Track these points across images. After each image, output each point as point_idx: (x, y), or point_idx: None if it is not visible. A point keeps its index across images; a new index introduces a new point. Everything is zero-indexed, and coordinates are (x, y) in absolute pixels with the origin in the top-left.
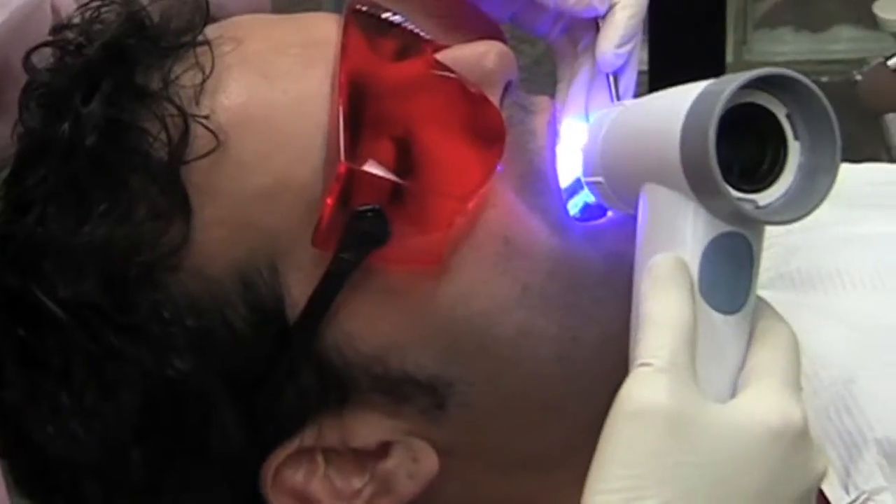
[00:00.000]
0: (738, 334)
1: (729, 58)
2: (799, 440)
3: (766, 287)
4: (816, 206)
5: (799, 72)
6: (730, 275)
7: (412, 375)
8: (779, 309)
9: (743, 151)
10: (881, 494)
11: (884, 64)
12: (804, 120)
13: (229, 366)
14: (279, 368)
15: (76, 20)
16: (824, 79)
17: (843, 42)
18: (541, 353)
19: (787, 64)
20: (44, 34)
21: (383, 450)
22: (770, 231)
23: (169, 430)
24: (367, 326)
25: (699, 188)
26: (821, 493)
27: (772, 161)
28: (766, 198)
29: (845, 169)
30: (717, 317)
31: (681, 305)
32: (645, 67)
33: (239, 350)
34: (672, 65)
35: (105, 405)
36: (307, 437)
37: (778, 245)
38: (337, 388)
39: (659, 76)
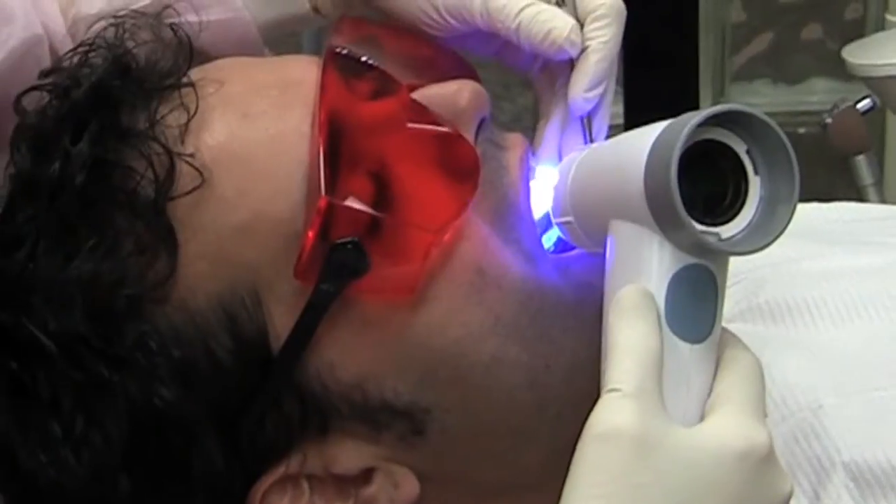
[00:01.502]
0: (704, 363)
1: None
2: (764, 463)
3: (735, 319)
4: (777, 235)
5: (775, 123)
6: (694, 305)
7: (390, 403)
8: (747, 340)
9: (706, 186)
10: None
11: (853, 107)
12: (763, 154)
13: (213, 395)
14: (262, 397)
15: (65, 64)
16: (801, 130)
17: (818, 94)
18: (514, 380)
19: None
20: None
21: (365, 476)
22: (738, 266)
23: (156, 459)
24: (345, 356)
25: (663, 222)
26: None
27: (734, 195)
28: (728, 230)
29: (814, 208)
30: (683, 346)
31: (647, 334)
32: (621, 120)
33: (223, 380)
34: (648, 118)
35: (94, 434)
36: (292, 464)
37: (746, 280)
38: (319, 416)
39: (635, 129)
